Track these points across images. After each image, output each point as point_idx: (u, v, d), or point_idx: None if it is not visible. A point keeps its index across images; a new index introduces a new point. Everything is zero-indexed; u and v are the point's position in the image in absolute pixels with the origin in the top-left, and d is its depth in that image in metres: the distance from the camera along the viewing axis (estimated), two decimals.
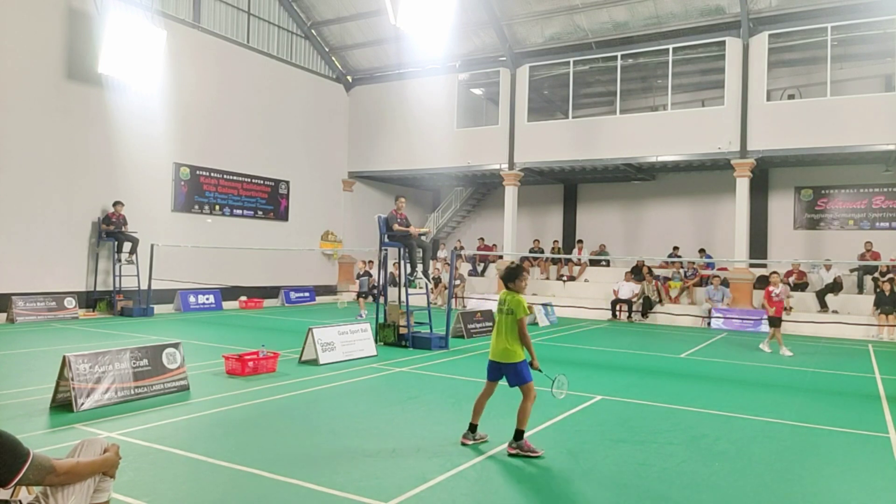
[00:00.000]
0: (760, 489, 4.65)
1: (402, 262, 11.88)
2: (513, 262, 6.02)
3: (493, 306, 16.69)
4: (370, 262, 18.37)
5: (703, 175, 21.29)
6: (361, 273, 17.93)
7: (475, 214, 26.69)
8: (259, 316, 16.98)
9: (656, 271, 19.64)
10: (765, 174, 20.34)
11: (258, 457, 5.02)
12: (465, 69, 21.81)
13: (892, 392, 8.59)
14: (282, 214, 21.20)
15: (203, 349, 10.52)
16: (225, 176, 19.25)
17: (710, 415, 6.97)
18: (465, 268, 22.53)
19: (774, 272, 13.48)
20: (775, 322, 12.10)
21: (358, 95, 23.80)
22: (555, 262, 22.09)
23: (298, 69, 21.92)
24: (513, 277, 5.56)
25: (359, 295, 17.50)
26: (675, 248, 20.43)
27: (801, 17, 16.90)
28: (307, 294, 21.30)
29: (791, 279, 17.70)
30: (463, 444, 5.45)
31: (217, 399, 7.04)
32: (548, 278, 21.84)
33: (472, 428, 5.54)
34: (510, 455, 5.21)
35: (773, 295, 12.04)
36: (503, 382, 5.54)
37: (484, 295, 19.92)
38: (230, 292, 18.79)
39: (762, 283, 18.14)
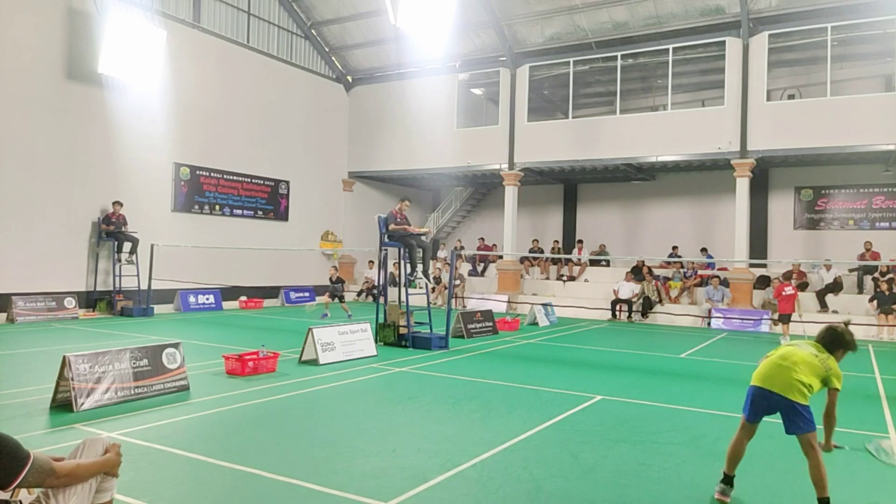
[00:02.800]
0: (760, 489, 4.65)
1: (402, 262, 11.88)
2: (846, 327, 4.42)
3: (493, 306, 16.81)
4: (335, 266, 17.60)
5: (703, 175, 21.28)
6: (334, 280, 17.12)
7: (475, 214, 26.69)
8: (259, 316, 16.98)
9: (656, 271, 19.65)
10: (765, 174, 20.34)
11: (258, 457, 5.02)
12: (465, 69, 21.81)
13: (892, 392, 8.58)
14: (282, 214, 21.20)
15: (203, 349, 10.52)
16: (225, 176, 19.25)
17: (710, 415, 6.96)
18: (465, 268, 22.52)
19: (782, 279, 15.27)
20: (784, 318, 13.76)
21: (358, 95, 23.80)
22: (555, 262, 22.10)
23: (298, 69, 21.92)
24: (844, 347, 4.34)
25: (332, 297, 16.91)
26: (674, 248, 20.43)
27: (801, 17, 16.90)
28: (307, 294, 21.28)
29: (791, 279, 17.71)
30: (720, 501, 4.39)
31: (217, 399, 7.04)
32: (548, 278, 21.84)
33: (728, 479, 4.48)
34: None
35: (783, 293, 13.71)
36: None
37: (484, 295, 19.95)
38: (230, 292, 18.79)
39: (762, 283, 18.19)
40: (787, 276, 15.55)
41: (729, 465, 4.45)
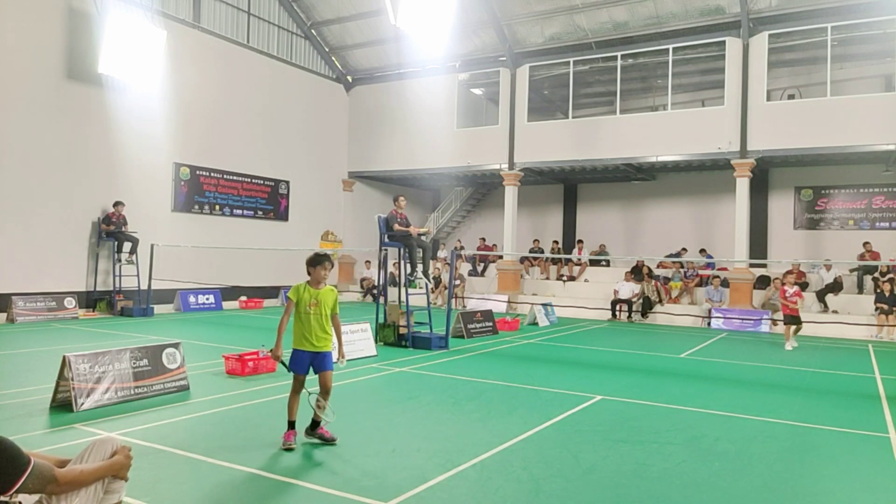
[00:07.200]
0: (760, 489, 4.65)
1: (402, 262, 11.88)
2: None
3: (493, 306, 16.81)
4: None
5: (703, 175, 21.29)
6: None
7: (475, 214, 26.69)
8: (259, 316, 16.98)
9: (656, 271, 19.65)
10: (765, 174, 20.34)
11: (258, 457, 5.02)
12: (465, 69, 21.81)
13: (892, 392, 8.59)
14: (282, 214, 21.20)
15: (203, 349, 10.52)
16: (225, 176, 19.25)
17: (710, 415, 6.96)
18: (465, 268, 22.52)
19: (789, 272, 15.21)
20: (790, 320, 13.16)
21: (358, 95, 23.80)
22: (555, 262, 22.09)
23: (298, 69, 21.92)
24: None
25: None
26: (683, 250, 20.40)
27: (801, 17, 16.90)
28: None
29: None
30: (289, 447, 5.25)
31: (217, 399, 7.04)
32: (548, 278, 21.84)
33: (292, 425, 5.49)
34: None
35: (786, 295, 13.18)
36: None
37: (484, 295, 19.94)
38: (230, 292, 18.79)
39: (762, 283, 18.19)
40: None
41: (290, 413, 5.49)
